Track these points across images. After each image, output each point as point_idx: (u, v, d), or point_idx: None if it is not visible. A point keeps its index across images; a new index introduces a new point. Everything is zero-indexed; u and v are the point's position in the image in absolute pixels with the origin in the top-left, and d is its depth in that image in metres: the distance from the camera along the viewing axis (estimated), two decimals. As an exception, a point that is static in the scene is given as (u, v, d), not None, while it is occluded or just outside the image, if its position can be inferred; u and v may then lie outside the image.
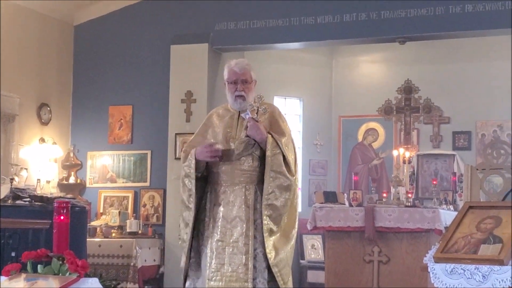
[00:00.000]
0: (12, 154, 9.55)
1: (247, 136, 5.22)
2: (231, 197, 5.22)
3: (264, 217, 5.11)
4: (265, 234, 5.09)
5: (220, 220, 5.20)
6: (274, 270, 5.06)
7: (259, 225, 5.13)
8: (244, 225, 5.14)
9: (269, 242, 5.09)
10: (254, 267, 5.10)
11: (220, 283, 5.08)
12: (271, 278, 5.10)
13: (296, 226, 5.35)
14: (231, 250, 5.12)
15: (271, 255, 5.07)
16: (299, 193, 5.96)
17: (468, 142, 11.40)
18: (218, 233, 5.18)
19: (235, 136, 5.30)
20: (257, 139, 5.20)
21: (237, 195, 5.21)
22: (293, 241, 5.28)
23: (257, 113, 5.21)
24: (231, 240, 5.13)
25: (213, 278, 5.11)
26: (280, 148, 5.17)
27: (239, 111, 5.36)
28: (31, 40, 10.18)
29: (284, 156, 5.17)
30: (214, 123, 5.44)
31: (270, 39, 10.05)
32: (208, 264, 5.15)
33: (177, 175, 9.83)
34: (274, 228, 5.13)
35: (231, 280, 5.07)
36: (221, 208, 5.22)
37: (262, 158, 5.21)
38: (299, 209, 5.79)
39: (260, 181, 5.19)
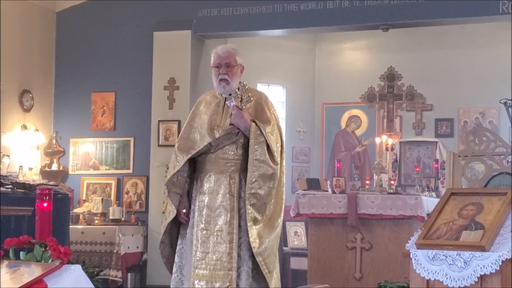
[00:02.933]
0: (-6, 141, 9.50)
1: (231, 124, 5.21)
2: (216, 185, 5.21)
3: (248, 206, 5.09)
4: (249, 223, 5.07)
5: (204, 208, 5.20)
6: (259, 259, 5.05)
7: (244, 214, 5.12)
8: (228, 214, 5.14)
9: (253, 231, 5.08)
10: (239, 255, 5.10)
11: (205, 271, 5.10)
12: (256, 266, 5.11)
13: (282, 214, 5.33)
14: (215, 239, 5.12)
15: (255, 244, 5.06)
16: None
17: (450, 129, 11.44)
18: (203, 221, 5.18)
19: (220, 124, 5.28)
20: (241, 127, 5.19)
21: (222, 183, 5.20)
22: (278, 230, 5.25)
23: (241, 101, 5.20)
24: (215, 229, 5.13)
25: (198, 266, 5.12)
26: (264, 137, 5.15)
27: (225, 98, 5.35)
28: (12, 26, 10.08)
29: (268, 145, 5.16)
30: (201, 110, 5.43)
31: (253, 26, 10.02)
32: (194, 252, 5.16)
33: (160, 162, 9.88)
34: (259, 217, 5.12)
35: (216, 269, 5.07)
36: (206, 197, 5.22)
37: (247, 146, 5.20)
38: (282, 196, 5.82)
39: (245, 170, 5.17)
